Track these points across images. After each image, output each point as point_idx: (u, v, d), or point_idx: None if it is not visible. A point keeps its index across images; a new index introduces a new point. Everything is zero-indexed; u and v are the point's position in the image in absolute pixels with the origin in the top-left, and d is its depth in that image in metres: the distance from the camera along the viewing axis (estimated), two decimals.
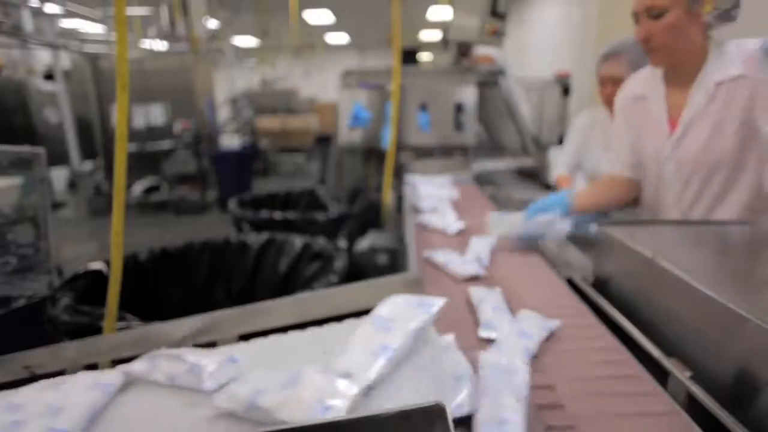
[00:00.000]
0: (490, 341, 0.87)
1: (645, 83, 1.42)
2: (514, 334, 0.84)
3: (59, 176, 7.07)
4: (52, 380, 0.69)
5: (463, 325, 0.95)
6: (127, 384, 0.69)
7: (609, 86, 1.82)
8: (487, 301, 1.00)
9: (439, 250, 1.34)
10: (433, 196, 2.00)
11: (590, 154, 2.11)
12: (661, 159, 1.38)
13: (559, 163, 2.29)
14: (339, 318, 0.82)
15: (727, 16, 1.19)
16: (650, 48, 1.27)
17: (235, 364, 0.67)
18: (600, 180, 1.70)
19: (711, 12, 1.18)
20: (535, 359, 0.82)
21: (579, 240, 1.47)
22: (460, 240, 1.49)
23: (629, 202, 1.57)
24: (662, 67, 1.35)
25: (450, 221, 1.67)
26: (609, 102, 1.82)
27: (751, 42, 1.20)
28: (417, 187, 2.07)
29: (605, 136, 1.98)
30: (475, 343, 0.87)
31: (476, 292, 1.05)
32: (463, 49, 3.49)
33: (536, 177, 3.12)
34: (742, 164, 1.24)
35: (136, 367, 0.70)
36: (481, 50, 3.60)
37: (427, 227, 1.68)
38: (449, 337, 0.80)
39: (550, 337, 0.89)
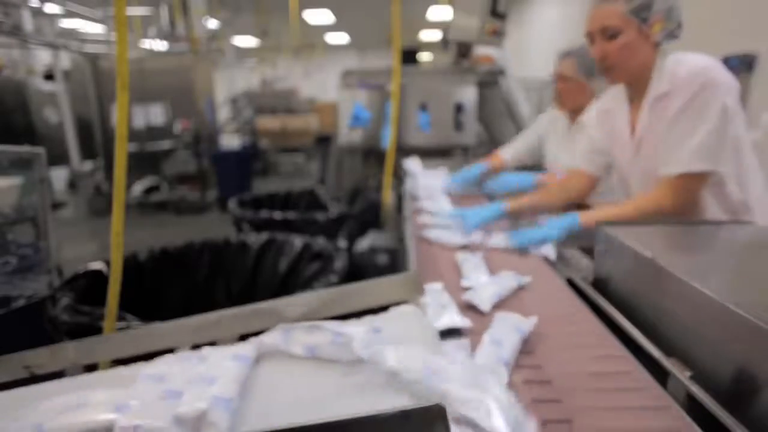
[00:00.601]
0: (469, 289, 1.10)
1: (612, 99, 1.52)
2: (488, 284, 1.09)
3: (59, 176, 7.08)
4: (189, 352, 0.68)
5: (448, 277, 1.19)
6: (261, 356, 0.66)
7: (559, 82, 2.00)
8: (470, 260, 1.25)
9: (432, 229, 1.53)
10: (430, 186, 2.16)
11: (548, 151, 2.20)
12: (626, 169, 1.49)
13: (509, 146, 2.41)
14: (339, 318, 0.82)
15: (672, 34, 1.29)
16: (605, 67, 1.35)
17: (379, 334, 0.63)
18: (561, 178, 1.79)
19: (659, 32, 1.27)
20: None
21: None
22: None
23: (583, 197, 1.69)
24: (618, 84, 1.44)
25: (443, 206, 1.87)
26: (559, 96, 2.03)
27: (688, 57, 1.29)
28: (416, 177, 2.24)
29: (561, 134, 2.12)
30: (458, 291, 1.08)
31: (461, 254, 1.32)
32: (463, 50, 3.49)
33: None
34: None
35: (269, 339, 0.66)
36: (482, 50, 3.60)
37: (422, 212, 1.87)
38: (438, 285, 1.06)
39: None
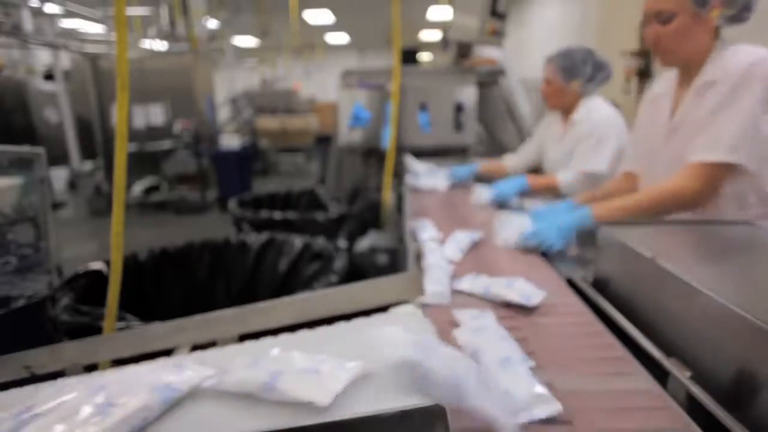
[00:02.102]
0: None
1: (664, 82, 1.46)
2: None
3: (59, 176, 7.08)
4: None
5: None
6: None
7: (544, 84, 2.08)
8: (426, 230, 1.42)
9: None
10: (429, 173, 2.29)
11: (547, 155, 2.23)
12: (655, 153, 1.43)
13: (514, 153, 2.46)
14: (339, 318, 0.82)
15: (736, 18, 1.22)
16: (658, 50, 1.31)
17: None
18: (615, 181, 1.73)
19: (719, 17, 1.21)
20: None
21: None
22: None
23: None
24: (670, 67, 1.38)
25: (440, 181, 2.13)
26: (545, 97, 2.11)
27: (747, 48, 1.23)
28: (417, 175, 2.31)
29: (556, 135, 2.16)
30: None
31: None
32: (464, 51, 3.49)
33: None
34: None
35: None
36: (485, 52, 3.60)
37: (420, 189, 2.06)
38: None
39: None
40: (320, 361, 0.55)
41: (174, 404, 0.52)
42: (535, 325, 0.93)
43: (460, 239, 1.36)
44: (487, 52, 3.63)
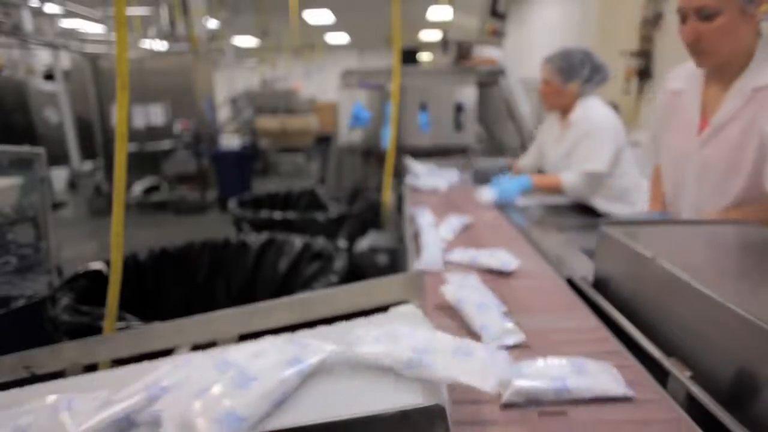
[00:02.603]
0: None
1: (686, 78, 1.36)
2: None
3: (59, 176, 7.08)
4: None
5: None
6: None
7: (542, 85, 2.09)
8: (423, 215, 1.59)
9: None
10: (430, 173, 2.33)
11: (546, 156, 2.24)
12: (685, 157, 1.34)
13: (524, 155, 2.48)
14: (339, 318, 0.82)
15: None
16: (698, 50, 1.20)
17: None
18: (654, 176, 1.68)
19: (765, 14, 1.13)
20: (507, 304, 0.99)
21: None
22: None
23: None
24: (708, 68, 1.28)
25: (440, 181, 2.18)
26: (543, 97, 2.13)
27: None
28: (417, 176, 2.33)
29: (555, 136, 2.16)
30: None
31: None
32: (464, 51, 3.49)
33: None
34: (759, 175, 1.19)
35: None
36: (485, 52, 3.60)
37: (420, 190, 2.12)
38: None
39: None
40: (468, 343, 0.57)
41: (307, 377, 0.54)
42: (511, 285, 1.15)
43: (453, 222, 1.57)
44: (487, 52, 3.64)
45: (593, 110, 1.99)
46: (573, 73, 1.98)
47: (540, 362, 0.74)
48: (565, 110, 2.09)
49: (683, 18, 1.19)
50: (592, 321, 0.96)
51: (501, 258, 1.23)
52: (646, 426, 0.65)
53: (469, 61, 3.63)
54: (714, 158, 1.26)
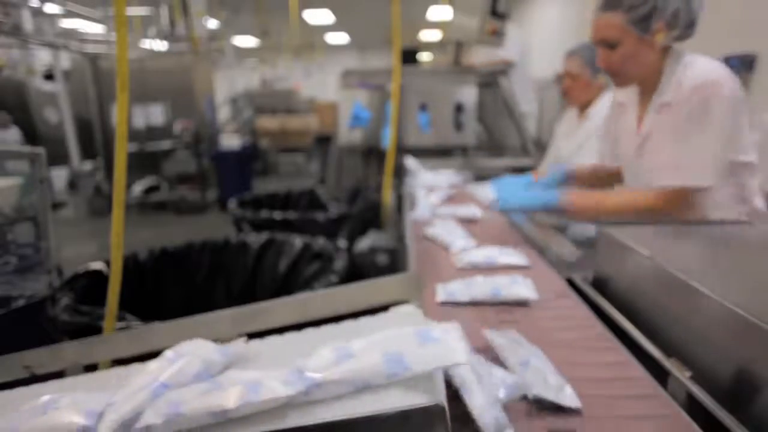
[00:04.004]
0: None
1: (628, 92, 1.49)
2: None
3: (59, 176, 7.08)
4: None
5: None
6: None
7: (567, 80, 2.08)
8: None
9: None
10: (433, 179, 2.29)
11: (558, 150, 2.25)
12: (629, 163, 1.49)
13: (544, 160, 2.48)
14: (339, 318, 0.82)
15: (683, 36, 1.25)
16: (610, 74, 1.36)
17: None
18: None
19: (664, 39, 1.25)
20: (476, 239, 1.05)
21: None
22: None
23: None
24: (624, 88, 1.43)
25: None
26: (566, 93, 2.12)
27: (698, 64, 1.25)
28: (417, 176, 2.31)
29: (569, 129, 2.19)
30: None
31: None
32: (458, 54, 3.48)
33: None
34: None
35: None
36: (497, 53, 3.59)
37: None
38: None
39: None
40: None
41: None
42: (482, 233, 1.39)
43: (441, 193, 1.95)
44: (501, 54, 3.63)
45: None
46: None
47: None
48: (586, 104, 2.08)
49: (596, 47, 1.35)
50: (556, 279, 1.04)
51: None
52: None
53: (484, 62, 3.62)
54: (645, 168, 1.40)
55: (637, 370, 0.77)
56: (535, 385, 0.67)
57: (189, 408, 0.50)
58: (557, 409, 0.65)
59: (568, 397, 0.66)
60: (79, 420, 0.51)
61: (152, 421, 0.50)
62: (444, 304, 1.01)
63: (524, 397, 0.66)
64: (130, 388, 0.55)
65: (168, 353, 0.60)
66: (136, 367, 0.67)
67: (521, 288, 1.01)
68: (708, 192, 1.25)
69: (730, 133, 1.23)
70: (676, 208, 1.27)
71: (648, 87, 1.36)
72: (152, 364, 0.59)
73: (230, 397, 0.50)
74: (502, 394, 0.64)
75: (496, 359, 0.74)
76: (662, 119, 1.32)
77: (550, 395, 0.66)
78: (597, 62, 1.38)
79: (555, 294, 1.06)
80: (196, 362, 0.57)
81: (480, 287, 1.02)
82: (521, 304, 1.00)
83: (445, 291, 1.03)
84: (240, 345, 0.64)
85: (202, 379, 0.56)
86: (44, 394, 0.57)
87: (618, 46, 1.28)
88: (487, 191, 1.90)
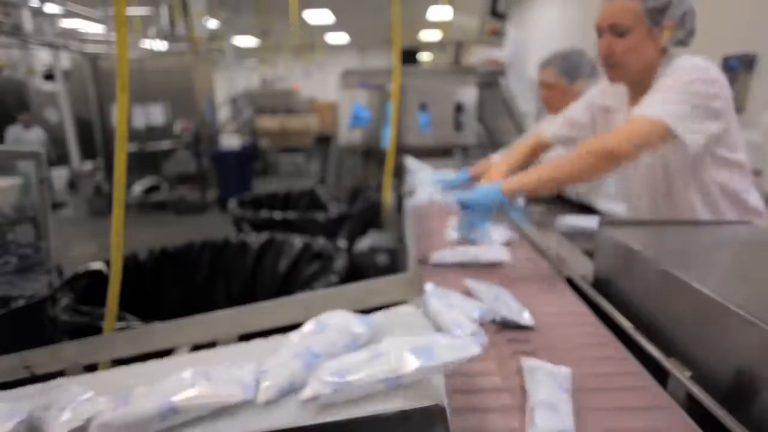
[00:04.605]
0: None
1: (613, 96, 1.47)
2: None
3: (59, 176, 7.08)
4: None
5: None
6: None
7: (544, 90, 2.08)
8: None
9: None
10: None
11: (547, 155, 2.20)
12: (626, 170, 1.47)
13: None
14: None
15: (682, 42, 1.27)
16: (609, 64, 1.33)
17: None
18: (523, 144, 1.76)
19: (669, 38, 1.25)
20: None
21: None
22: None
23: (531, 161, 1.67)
24: (618, 83, 1.39)
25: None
26: (546, 103, 2.12)
27: (687, 60, 1.26)
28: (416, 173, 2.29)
29: None
30: None
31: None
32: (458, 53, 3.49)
33: None
34: (671, 178, 1.36)
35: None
36: (492, 54, 3.60)
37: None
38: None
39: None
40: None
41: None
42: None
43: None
44: (493, 54, 3.63)
45: None
46: (577, 72, 1.99)
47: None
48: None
49: (600, 33, 1.32)
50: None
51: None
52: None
53: (482, 60, 3.63)
54: (639, 168, 1.39)
55: (580, 306, 0.76)
56: (502, 311, 0.94)
57: (357, 377, 0.51)
58: (518, 327, 0.93)
59: (525, 318, 0.93)
60: (236, 391, 0.52)
61: (321, 391, 0.50)
62: (436, 265, 1.25)
63: (494, 321, 0.92)
64: (280, 357, 0.57)
65: (309, 324, 0.64)
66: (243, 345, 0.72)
67: (496, 252, 1.27)
68: (666, 141, 1.19)
69: (711, 115, 1.19)
70: (630, 141, 1.18)
71: (640, 87, 1.34)
72: (295, 335, 0.62)
73: (406, 363, 0.51)
74: (476, 315, 0.87)
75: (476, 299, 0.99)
76: None
77: (514, 317, 0.93)
78: (598, 49, 1.33)
79: (525, 260, 1.30)
80: (344, 334, 0.60)
81: (464, 254, 1.27)
82: (496, 265, 1.25)
83: (437, 256, 1.26)
84: (378, 317, 0.68)
85: (351, 350, 0.58)
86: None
87: (626, 35, 1.26)
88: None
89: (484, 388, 0.74)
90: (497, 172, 1.57)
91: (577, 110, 1.58)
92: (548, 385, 0.70)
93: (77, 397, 0.55)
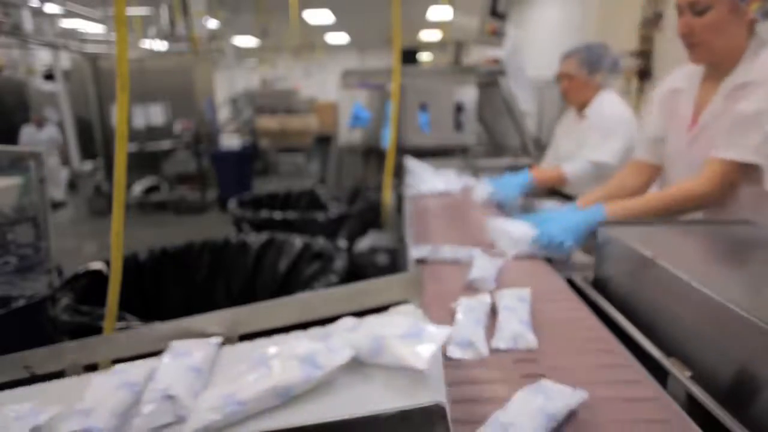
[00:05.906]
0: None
1: (685, 77, 1.39)
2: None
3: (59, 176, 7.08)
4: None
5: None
6: None
7: (564, 81, 2.09)
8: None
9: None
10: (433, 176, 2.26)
11: (558, 149, 2.26)
12: (677, 154, 1.38)
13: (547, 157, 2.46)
14: (339, 318, 0.82)
15: None
16: (690, 43, 1.24)
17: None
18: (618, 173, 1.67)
19: (758, 9, 1.15)
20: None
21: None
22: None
23: (644, 190, 1.53)
24: (700, 64, 1.31)
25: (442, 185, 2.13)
26: (565, 94, 2.13)
27: None
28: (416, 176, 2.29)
29: (568, 129, 2.20)
30: None
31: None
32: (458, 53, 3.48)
33: None
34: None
35: None
36: (490, 53, 3.59)
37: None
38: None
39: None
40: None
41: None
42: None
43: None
44: (492, 52, 3.63)
45: (609, 104, 2.01)
46: (598, 65, 2.00)
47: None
48: (584, 104, 2.09)
49: (680, 12, 1.24)
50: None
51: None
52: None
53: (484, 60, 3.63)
54: (700, 157, 1.27)
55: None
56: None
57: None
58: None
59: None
60: None
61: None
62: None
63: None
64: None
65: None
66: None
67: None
68: (756, 174, 1.14)
69: None
70: (721, 188, 1.17)
71: (723, 68, 1.24)
72: None
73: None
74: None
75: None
76: (733, 103, 1.20)
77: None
78: (678, 29, 1.25)
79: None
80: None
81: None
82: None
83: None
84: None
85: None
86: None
87: (707, 12, 1.17)
88: (484, 188, 1.89)
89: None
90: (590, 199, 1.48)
91: (652, 123, 1.49)
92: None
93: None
